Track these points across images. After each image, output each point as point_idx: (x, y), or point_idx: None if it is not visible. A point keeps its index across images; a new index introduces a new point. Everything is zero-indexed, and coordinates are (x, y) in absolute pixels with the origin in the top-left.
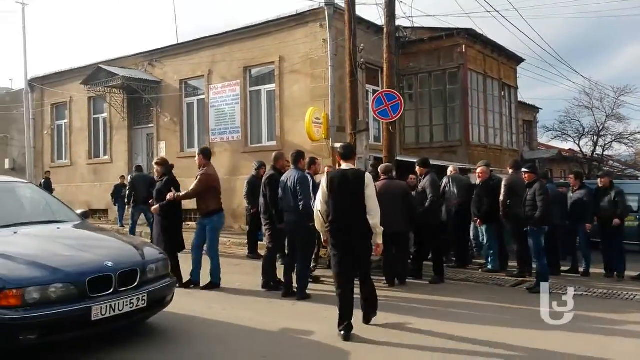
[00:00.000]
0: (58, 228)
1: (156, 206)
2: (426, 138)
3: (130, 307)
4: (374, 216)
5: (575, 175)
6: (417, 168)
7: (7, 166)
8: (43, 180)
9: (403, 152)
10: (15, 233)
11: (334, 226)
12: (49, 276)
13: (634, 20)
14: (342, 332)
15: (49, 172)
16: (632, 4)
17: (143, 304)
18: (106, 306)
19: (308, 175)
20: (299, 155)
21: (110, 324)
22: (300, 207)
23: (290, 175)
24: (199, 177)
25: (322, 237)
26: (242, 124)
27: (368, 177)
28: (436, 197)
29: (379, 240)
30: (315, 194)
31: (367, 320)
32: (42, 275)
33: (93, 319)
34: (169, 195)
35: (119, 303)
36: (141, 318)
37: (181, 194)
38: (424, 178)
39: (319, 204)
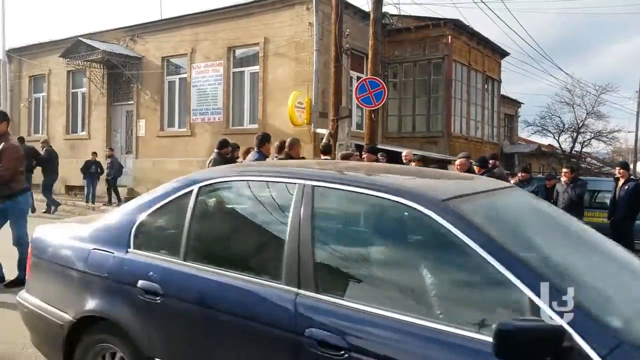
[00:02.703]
0: None
1: None
2: (408, 127)
3: None
4: None
5: (570, 169)
6: (365, 154)
7: None
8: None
9: (385, 140)
10: None
11: None
12: None
13: (620, 19)
14: None
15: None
16: (620, 2)
17: None
18: None
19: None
20: (264, 139)
21: None
22: None
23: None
24: (3, 151)
25: None
26: (224, 105)
27: None
28: None
29: None
30: None
31: None
32: None
33: None
34: None
35: None
36: None
37: None
38: None
39: None
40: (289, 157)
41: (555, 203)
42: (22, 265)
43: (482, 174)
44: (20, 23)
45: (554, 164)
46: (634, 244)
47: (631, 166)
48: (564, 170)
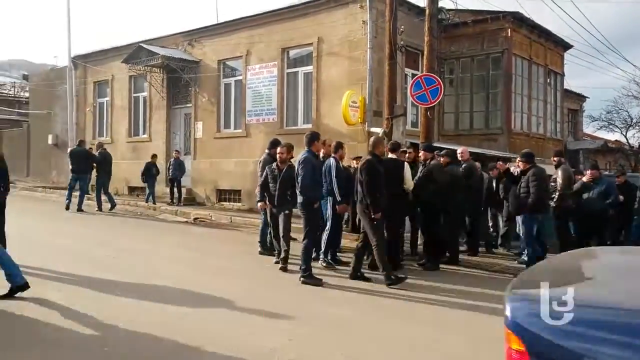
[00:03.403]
0: None
1: None
2: (466, 125)
3: None
4: None
5: (592, 166)
6: (421, 152)
7: (50, 142)
8: (98, 154)
9: (441, 138)
10: None
11: None
12: None
13: None
14: None
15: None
16: None
17: None
18: None
19: (333, 160)
20: (312, 137)
21: None
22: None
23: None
24: None
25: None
26: (279, 106)
27: None
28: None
29: None
30: (338, 177)
31: None
32: None
33: None
34: None
35: None
36: None
37: None
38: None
39: None
40: (374, 156)
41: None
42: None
43: (527, 170)
44: (85, 31)
45: (622, 160)
46: None
47: None
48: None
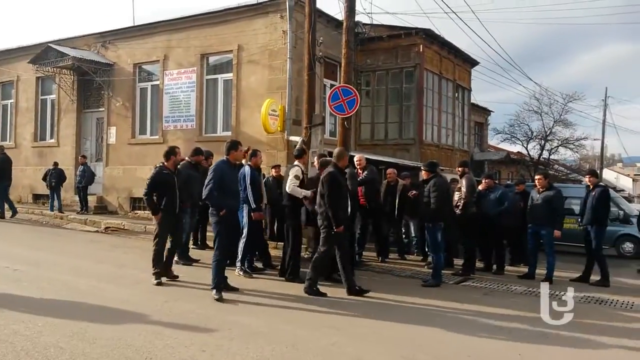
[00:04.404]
0: None
1: None
2: (381, 135)
3: None
4: None
5: (544, 175)
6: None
7: None
8: None
9: (358, 147)
10: None
11: None
12: None
13: (587, 30)
14: None
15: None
16: (585, 13)
17: None
18: None
19: (247, 167)
20: (231, 146)
21: None
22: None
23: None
24: None
25: None
26: (197, 113)
27: None
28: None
29: None
30: (253, 185)
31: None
32: None
33: None
34: None
35: None
36: None
37: None
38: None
39: None
40: (337, 168)
41: (530, 209)
42: None
43: (429, 179)
44: None
45: (523, 171)
46: (601, 249)
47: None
48: (538, 176)
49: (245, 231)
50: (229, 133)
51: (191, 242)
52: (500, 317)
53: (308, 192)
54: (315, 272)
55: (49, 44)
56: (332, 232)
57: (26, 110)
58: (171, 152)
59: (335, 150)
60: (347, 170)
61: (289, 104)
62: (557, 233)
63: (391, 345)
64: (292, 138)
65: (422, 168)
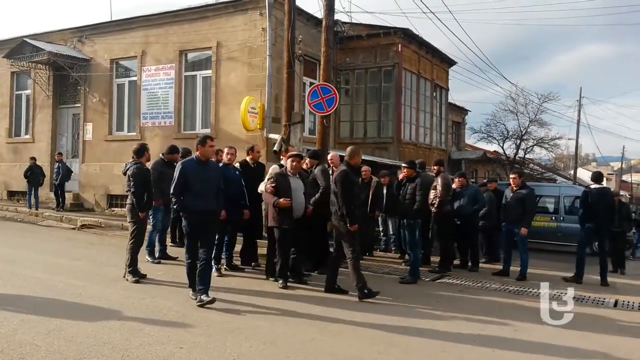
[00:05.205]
0: None
1: None
2: (360, 133)
3: None
4: None
5: (518, 174)
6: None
7: None
8: None
9: (337, 145)
10: None
11: None
12: None
13: (563, 31)
14: None
15: None
16: (561, 15)
17: None
18: None
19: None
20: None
21: None
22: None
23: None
24: None
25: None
26: (176, 109)
27: None
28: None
29: None
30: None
31: None
32: None
33: None
34: None
35: None
36: None
37: None
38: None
39: None
40: (349, 167)
41: (504, 207)
42: None
43: (413, 177)
44: None
45: (499, 170)
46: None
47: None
48: (512, 175)
49: (229, 229)
50: (208, 130)
51: (169, 239)
52: (476, 313)
53: (261, 187)
54: (357, 275)
55: (24, 39)
56: (348, 229)
57: (1, 106)
58: (144, 149)
59: (348, 149)
60: (319, 167)
61: (269, 102)
62: (523, 230)
63: (367, 341)
64: (272, 136)
65: (402, 166)
